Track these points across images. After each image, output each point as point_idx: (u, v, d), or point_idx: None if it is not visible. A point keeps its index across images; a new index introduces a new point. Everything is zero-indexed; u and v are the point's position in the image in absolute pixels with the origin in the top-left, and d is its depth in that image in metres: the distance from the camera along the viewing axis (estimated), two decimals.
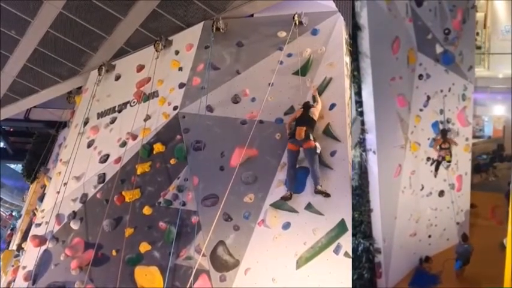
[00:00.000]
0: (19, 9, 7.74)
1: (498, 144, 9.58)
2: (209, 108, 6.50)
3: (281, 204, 5.19)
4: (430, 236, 6.40)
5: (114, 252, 6.00)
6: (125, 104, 7.87)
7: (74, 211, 7.00)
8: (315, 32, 6.53)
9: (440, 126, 6.28)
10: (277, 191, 5.32)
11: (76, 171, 7.42)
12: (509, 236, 3.78)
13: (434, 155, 6.31)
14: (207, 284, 5.06)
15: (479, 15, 8.95)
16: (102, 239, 6.17)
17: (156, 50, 7.92)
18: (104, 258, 6.09)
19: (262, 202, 5.34)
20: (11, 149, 16.63)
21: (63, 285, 6.20)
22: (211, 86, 6.70)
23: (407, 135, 5.75)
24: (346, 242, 4.67)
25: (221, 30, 7.27)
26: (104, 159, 7.27)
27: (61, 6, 7.71)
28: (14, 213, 18.48)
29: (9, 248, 10.24)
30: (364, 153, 5.01)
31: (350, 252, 4.63)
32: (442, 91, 6.19)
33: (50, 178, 8.73)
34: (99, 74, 8.84)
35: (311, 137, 5.16)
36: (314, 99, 5.76)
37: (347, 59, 6.08)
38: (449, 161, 6.32)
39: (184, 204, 5.76)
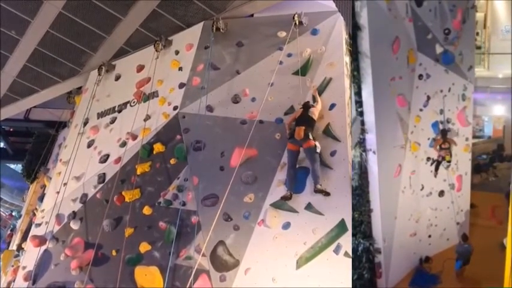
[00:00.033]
0: (19, 9, 7.74)
1: (498, 144, 9.58)
2: (209, 108, 6.50)
3: (281, 204, 5.19)
4: (430, 236, 6.41)
5: (114, 252, 6.00)
6: (124, 104, 7.87)
7: (74, 211, 7.00)
8: (314, 32, 6.53)
9: (440, 126, 6.28)
10: (277, 191, 5.32)
11: (76, 171, 7.42)
12: (509, 236, 3.78)
13: (434, 155, 6.31)
14: (207, 284, 5.06)
15: (479, 15, 8.96)
16: (102, 239, 6.17)
17: (156, 50, 7.92)
18: (104, 258, 6.09)
19: (262, 202, 5.34)
20: (11, 149, 16.63)
21: (63, 285, 6.20)
22: (211, 86, 6.70)
23: (407, 135, 5.75)
24: (346, 242, 4.67)
25: (221, 30, 7.26)
26: (104, 159, 7.27)
27: (61, 6, 7.71)
28: (14, 213, 18.47)
29: (9, 248, 10.23)
30: (364, 153, 5.01)
31: (350, 252, 4.63)
32: (442, 91, 6.19)
33: (50, 178, 8.73)
34: (99, 74, 8.83)
35: (310, 137, 5.16)
36: (314, 99, 5.77)
37: (347, 59, 6.08)
38: (449, 161, 6.32)
39: (184, 204, 5.76)
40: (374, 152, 4.99)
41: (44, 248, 6.78)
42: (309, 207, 5.02)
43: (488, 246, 5.79)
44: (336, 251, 4.65)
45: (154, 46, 7.97)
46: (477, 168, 8.48)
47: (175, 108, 6.86)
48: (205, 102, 6.50)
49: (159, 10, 7.75)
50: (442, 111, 6.25)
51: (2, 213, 19.24)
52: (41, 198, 8.54)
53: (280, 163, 5.53)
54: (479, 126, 10.10)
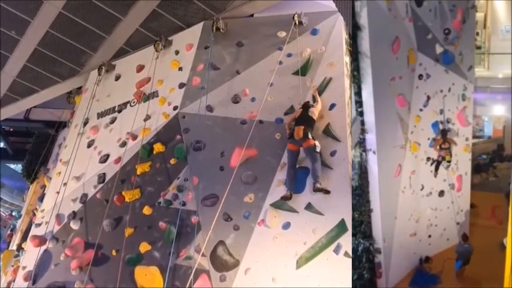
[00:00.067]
0: (19, 9, 7.74)
1: (498, 144, 9.58)
2: (209, 108, 6.50)
3: (281, 204, 5.19)
4: (430, 236, 6.41)
5: (114, 252, 6.00)
6: (124, 104, 7.87)
7: (74, 211, 7.00)
8: (314, 32, 6.53)
9: (440, 126, 6.28)
10: (277, 191, 5.32)
11: (76, 171, 7.42)
12: (509, 236, 3.78)
13: (434, 155, 6.31)
14: (207, 284, 5.06)
15: (479, 15, 8.96)
16: (102, 239, 6.17)
17: (156, 50, 7.92)
18: (104, 258, 6.09)
19: (262, 202, 5.34)
20: (11, 149, 16.63)
21: (63, 285, 6.20)
22: (211, 86, 6.70)
23: (407, 135, 5.76)
24: (346, 242, 4.67)
25: (221, 30, 7.26)
26: (104, 159, 7.27)
27: (61, 6, 7.72)
28: (14, 213, 18.47)
29: (9, 248, 10.23)
30: (364, 153, 5.01)
31: (350, 252, 4.63)
32: (442, 91, 6.19)
33: (50, 178, 8.74)
34: (99, 74, 8.83)
35: (309, 136, 5.15)
36: (314, 99, 5.77)
37: (347, 59, 6.08)
38: (449, 161, 6.32)
39: (184, 204, 5.76)
40: (374, 152, 4.99)
41: (44, 248, 6.79)
42: (309, 207, 5.02)
43: (488, 246, 5.79)
44: (336, 251, 4.65)
45: (154, 46, 7.97)
46: (477, 168, 8.49)
47: (175, 108, 6.86)
48: (205, 102, 6.50)
49: (159, 10, 7.75)
50: (442, 111, 6.26)
51: (2, 213, 19.24)
52: (41, 198, 8.54)
53: (280, 163, 5.53)
54: (479, 126, 10.11)
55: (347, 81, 5.81)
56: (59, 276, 6.36)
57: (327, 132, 5.48)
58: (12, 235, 11.99)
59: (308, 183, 5.15)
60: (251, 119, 6.01)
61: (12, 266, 7.78)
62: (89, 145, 7.79)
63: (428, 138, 6.25)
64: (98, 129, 7.97)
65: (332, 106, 5.66)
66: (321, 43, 6.33)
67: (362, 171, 5.04)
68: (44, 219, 7.32)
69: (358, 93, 4.78)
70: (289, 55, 6.40)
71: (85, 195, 7.08)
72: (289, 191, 5.14)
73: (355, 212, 4.92)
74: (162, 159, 6.49)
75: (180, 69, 7.36)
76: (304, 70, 6.15)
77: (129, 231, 6.01)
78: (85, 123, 8.21)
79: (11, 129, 16.52)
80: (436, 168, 6.35)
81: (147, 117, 7.07)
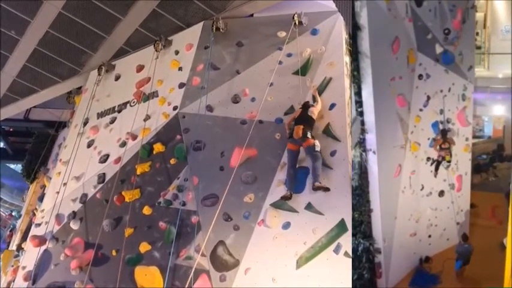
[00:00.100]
0: (19, 9, 7.74)
1: (498, 144, 9.59)
2: (209, 108, 6.49)
3: (281, 204, 5.19)
4: (430, 236, 6.41)
5: (114, 252, 6.00)
6: (124, 104, 7.87)
7: (73, 211, 7.00)
8: (314, 32, 6.53)
9: (440, 126, 6.28)
10: (277, 191, 5.32)
11: (76, 171, 7.42)
12: (509, 236, 3.78)
13: (434, 155, 6.31)
14: (207, 284, 5.06)
15: (479, 15, 8.97)
16: (102, 239, 6.17)
17: (156, 50, 7.92)
18: (104, 258, 6.09)
19: (262, 202, 5.34)
20: (10, 149, 16.62)
21: (63, 285, 6.20)
22: (211, 86, 6.70)
23: (407, 135, 5.76)
24: (346, 241, 4.66)
25: (221, 30, 7.26)
26: (104, 159, 7.27)
27: (61, 6, 7.72)
28: (13, 213, 18.46)
29: (9, 248, 10.22)
30: (364, 153, 5.01)
31: (350, 252, 4.62)
32: (442, 91, 6.19)
33: (50, 178, 8.73)
34: (99, 74, 8.83)
35: (308, 135, 5.15)
36: (314, 99, 5.77)
37: (347, 59, 6.08)
38: (449, 161, 6.33)
39: (184, 204, 5.75)
40: (374, 152, 4.99)
41: (43, 248, 6.78)
42: (309, 207, 5.01)
43: (488, 246, 5.80)
44: (336, 250, 4.64)
45: (154, 46, 7.97)
46: (477, 168, 8.49)
47: (175, 108, 6.86)
48: (205, 102, 6.49)
49: (159, 10, 7.75)
50: (442, 111, 6.26)
51: (2, 213, 19.23)
52: (41, 198, 8.53)
53: (280, 163, 5.52)
54: (479, 126, 10.11)
55: (347, 81, 5.81)
56: (58, 276, 6.36)
57: (327, 132, 5.47)
58: (12, 235, 11.99)
59: (308, 183, 5.15)
60: (251, 119, 6.01)
61: (12, 266, 7.78)
62: (89, 145, 7.79)
63: (428, 138, 6.26)
64: (97, 129, 7.97)
65: (332, 106, 5.66)
66: (321, 43, 6.32)
67: (362, 171, 5.04)
68: (44, 219, 7.32)
69: (358, 93, 4.78)
70: (289, 55, 6.40)
71: (85, 195, 7.08)
72: (289, 190, 5.14)
73: (355, 212, 4.92)
74: (162, 159, 6.49)
75: (180, 69, 7.36)
76: (304, 70, 6.15)
77: (129, 231, 6.01)
78: (85, 123, 8.21)
79: (11, 129, 16.50)
80: (436, 168, 6.36)
81: (147, 117, 7.07)
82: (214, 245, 5.24)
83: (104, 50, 8.78)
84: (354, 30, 4.55)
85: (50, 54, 8.79)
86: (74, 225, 6.81)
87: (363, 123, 4.91)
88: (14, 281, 7.04)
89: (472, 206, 6.93)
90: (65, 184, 7.28)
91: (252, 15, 7.60)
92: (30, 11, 7.79)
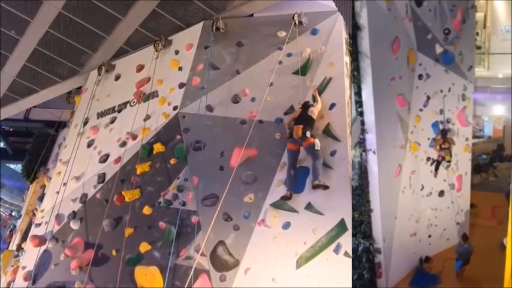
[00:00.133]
0: (19, 9, 7.74)
1: (498, 144, 9.60)
2: (209, 108, 6.49)
3: (281, 204, 5.19)
4: (430, 236, 6.41)
5: (114, 252, 6.00)
6: (124, 104, 7.87)
7: (73, 211, 7.00)
8: (314, 32, 6.53)
9: (440, 126, 6.29)
10: (277, 191, 5.32)
11: (76, 171, 7.42)
12: (509, 236, 3.78)
13: (434, 155, 6.31)
14: (207, 283, 5.06)
15: (479, 15, 8.97)
16: (102, 239, 6.17)
17: (156, 50, 7.91)
18: (104, 258, 6.09)
19: (262, 202, 5.34)
20: (10, 149, 16.62)
21: (63, 285, 6.20)
22: (211, 86, 6.70)
23: (407, 135, 5.76)
24: (346, 241, 4.67)
25: (221, 30, 7.26)
26: (104, 159, 7.27)
27: (61, 6, 7.72)
28: (13, 213, 18.45)
29: (9, 248, 10.22)
30: (364, 153, 5.01)
31: (350, 252, 4.63)
32: (442, 91, 6.20)
33: (50, 178, 8.73)
34: (99, 74, 8.83)
35: (308, 134, 5.15)
36: (314, 99, 5.76)
37: (347, 59, 6.08)
38: (449, 161, 6.33)
39: (184, 204, 5.75)
40: (374, 152, 4.99)
41: (43, 248, 6.78)
42: (309, 207, 5.01)
43: (488, 246, 5.80)
44: (336, 250, 4.65)
45: (154, 46, 7.96)
46: (477, 168, 8.50)
47: (175, 108, 6.86)
48: (205, 102, 6.49)
49: (158, 10, 7.75)
50: (442, 111, 6.26)
51: (2, 213, 19.22)
52: (41, 198, 8.53)
53: (280, 163, 5.52)
54: (479, 126, 10.12)
55: (347, 81, 5.81)
56: (58, 276, 6.36)
57: (327, 132, 5.47)
58: (12, 235, 11.99)
59: (308, 183, 5.15)
60: (251, 118, 6.00)
61: (12, 266, 7.77)
62: (89, 145, 7.79)
63: (428, 138, 6.26)
64: (97, 129, 7.97)
65: (332, 106, 5.66)
66: (321, 43, 6.32)
67: (362, 171, 5.05)
68: (44, 219, 7.32)
69: (358, 93, 4.78)
70: (289, 55, 6.40)
71: (85, 195, 7.08)
72: (289, 190, 5.14)
73: (355, 212, 4.92)
74: (162, 159, 6.49)
75: (180, 69, 7.36)
76: (304, 70, 6.15)
77: (129, 231, 6.01)
78: (85, 123, 8.21)
79: (11, 129, 16.50)
80: (436, 168, 6.36)
81: (147, 117, 7.07)
82: (214, 245, 5.24)
83: (104, 50, 8.78)
84: (354, 30, 4.55)
85: (50, 54, 8.79)
86: (74, 225, 6.81)
87: (363, 123, 4.91)
88: (14, 281, 7.03)
89: (472, 206, 6.93)
90: (65, 184, 7.28)
91: (252, 15, 7.59)
92: (30, 11, 7.79)
